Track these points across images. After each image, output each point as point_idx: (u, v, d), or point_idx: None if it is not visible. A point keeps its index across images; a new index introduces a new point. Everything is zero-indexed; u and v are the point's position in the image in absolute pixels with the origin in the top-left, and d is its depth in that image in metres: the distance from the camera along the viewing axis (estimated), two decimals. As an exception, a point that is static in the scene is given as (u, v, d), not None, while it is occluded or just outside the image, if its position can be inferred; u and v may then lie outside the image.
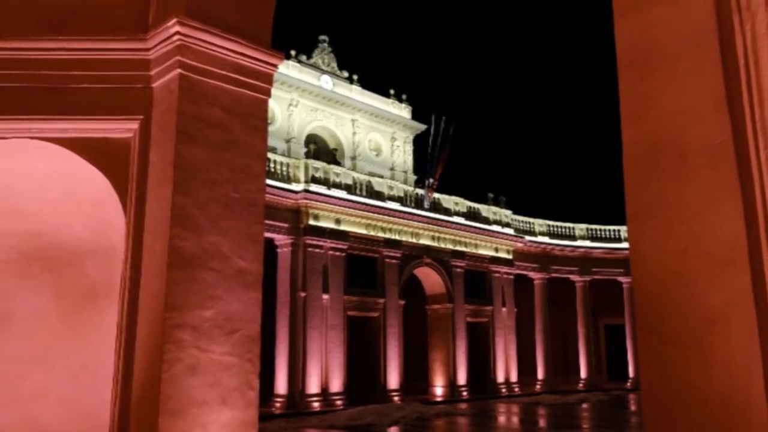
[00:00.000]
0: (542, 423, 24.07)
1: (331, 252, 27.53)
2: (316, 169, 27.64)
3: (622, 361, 40.08)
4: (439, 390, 32.14)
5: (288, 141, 34.82)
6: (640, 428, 20.48)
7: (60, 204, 5.85)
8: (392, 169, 40.31)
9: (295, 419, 23.12)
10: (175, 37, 5.18)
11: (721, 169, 2.54)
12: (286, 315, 26.15)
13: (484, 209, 35.66)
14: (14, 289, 5.89)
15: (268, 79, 5.71)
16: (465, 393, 32.12)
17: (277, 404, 25.32)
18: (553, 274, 39.17)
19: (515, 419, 25.58)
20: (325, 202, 27.42)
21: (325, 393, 26.11)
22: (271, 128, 32.51)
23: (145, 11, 5.59)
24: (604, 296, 40.71)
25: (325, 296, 26.95)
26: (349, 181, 28.92)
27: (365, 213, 29.00)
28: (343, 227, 28.19)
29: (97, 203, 5.62)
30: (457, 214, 33.78)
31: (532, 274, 38.58)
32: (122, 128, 5.46)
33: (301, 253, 26.71)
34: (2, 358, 5.77)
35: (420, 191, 32.51)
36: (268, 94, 5.72)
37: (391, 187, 31.01)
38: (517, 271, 37.27)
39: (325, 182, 27.73)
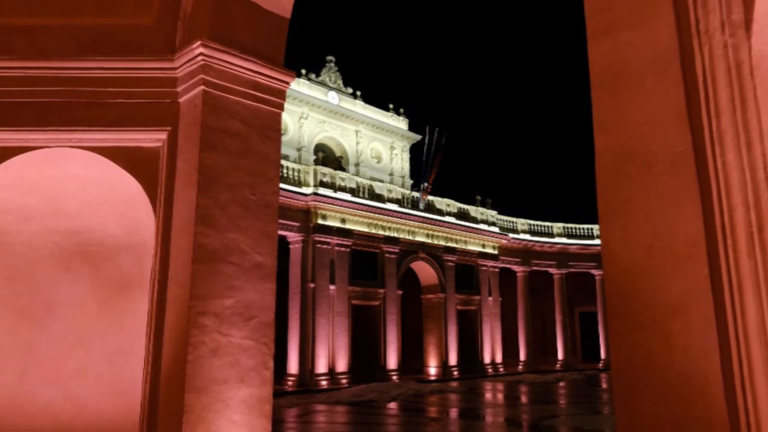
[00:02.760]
0: (524, 399, 24.07)
1: (337, 248, 27.53)
2: (324, 175, 27.63)
3: (594, 344, 40.12)
4: (432, 370, 32.15)
5: (299, 149, 34.80)
6: (610, 403, 20.49)
7: (97, 205, 5.86)
8: (391, 174, 40.30)
9: (305, 396, 23.13)
10: (199, 58, 5.18)
11: (682, 175, 2.54)
12: (297, 303, 26.16)
13: (473, 210, 35.65)
14: (57, 281, 5.89)
15: (282, 94, 5.71)
16: (456, 372, 32.13)
17: (290, 382, 25.32)
18: (534, 268, 39.19)
19: (500, 395, 25.58)
20: (332, 204, 27.42)
21: (331, 372, 26.11)
22: (284, 138, 32.52)
23: (173, 35, 5.59)
24: (579, 287, 40.75)
25: (332, 287, 26.96)
26: (353, 185, 28.92)
27: (367, 213, 29.00)
28: (347, 226, 28.20)
29: (130, 204, 5.62)
30: (449, 214, 33.78)
31: (515, 268, 38.58)
32: (152, 138, 5.46)
33: (310, 248, 26.72)
34: (47, 340, 5.77)
35: (416, 194, 32.49)
36: (281, 108, 5.72)
37: (390, 191, 31.00)
38: (502, 265, 37.29)
39: (331, 186, 27.72)
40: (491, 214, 36.73)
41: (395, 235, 30.53)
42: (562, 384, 30.04)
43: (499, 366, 35.29)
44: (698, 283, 2.41)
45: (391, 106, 41.65)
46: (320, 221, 27.05)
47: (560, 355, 39.15)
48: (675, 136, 2.58)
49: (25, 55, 5.43)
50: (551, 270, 39.68)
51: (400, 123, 41.87)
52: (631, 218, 2.67)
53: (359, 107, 38.97)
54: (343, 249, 27.80)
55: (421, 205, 32.01)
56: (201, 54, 5.16)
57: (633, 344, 2.58)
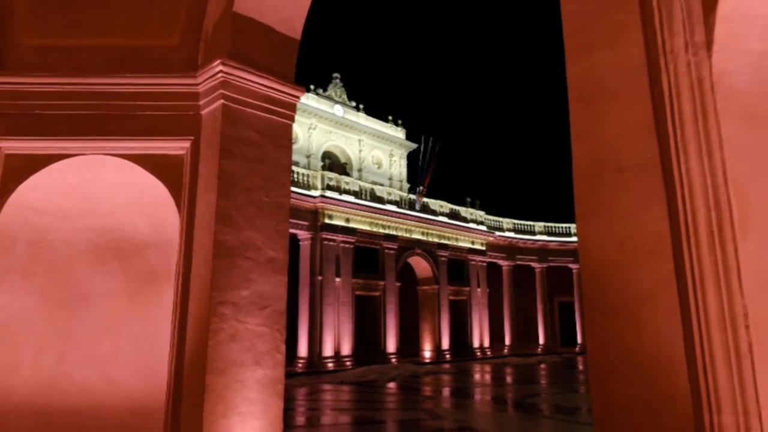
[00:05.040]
0: (509, 379, 24.07)
1: (342, 244, 27.53)
2: (330, 179, 27.63)
3: (571, 330, 40.13)
4: (427, 353, 32.14)
5: (308, 156, 34.78)
6: (586, 383, 20.49)
7: (128, 206, 5.86)
8: (390, 178, 40.27)
9: (313, 376, 23.13)
10: (219, 75, 5.18)
11: (650, 180, 2.54)
12: (307, 294, 26.16)
13: (463, 210, 35.64)
14: (92, 274, 5.89)
15: (292, 107, 5.71)
16: (448, 356, 32.13)
17: (300, 364, 25.31)
18: (518, 262, 39.19)
19: (488, 376, 25.57)
20: (338, 205, 27.42)
21: (337, 355, 26.11)
22: (294, 146, 32.48)
23: (195, 54, 5.59)
24: (558, 279, 40.72)
25: (337, 279, 26.95)
26: (357, 189, 28.91)
27: (369, 214, 29.00)
28: (351, 225, 28.19)
29: (157, 206, 5.62)
30: (442, 214, 33.77)
31: (501, 262, 38.59)
32: (177, 146, 5.46)
33: (318, 245, 26.71)
34: (82, 328, 5.78)
35: (412, 196, 32.49)
36: (292, 119, 5.72)
37: (389, 193, 30.99)
38: (489, 260, 37.29)
39: (337, 189, 27.71)
40: (480, 214, 36.71)
41: (394, 233, 30.52)
42: (543, 366, 30.03)
43: (487, 350, 35.27)
44: (665, 276, 2.41)
45: (390, 117, 41.61)
46: (327, 221, 27.04)
47: (541, 340, 39.17)
48: (644, 144, 2.58)
49: (64, 72, 5.43)
50: (533, 264, 39.68)
51: (398, 133, 41.84)
52: (605, 218, 2.67)
53: (362, 119, 38.94)
54: (347, 245, 27.79)
55: (417, 206, 32.01)
56: (221, 71, 5.16)
57: (607, 331, 2.58)
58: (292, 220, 23.07)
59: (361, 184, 29.75)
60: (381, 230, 29.81)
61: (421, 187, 32.39)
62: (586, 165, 2.81)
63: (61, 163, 5.43)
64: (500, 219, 39.24)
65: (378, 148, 40.22)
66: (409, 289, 33.19)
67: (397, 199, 31.13)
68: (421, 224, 32.11)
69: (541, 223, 40.58)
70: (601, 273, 2.65)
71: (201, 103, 5.45)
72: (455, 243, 34.47)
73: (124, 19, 5.66)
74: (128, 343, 5.74)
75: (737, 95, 2.48)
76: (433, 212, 33.17)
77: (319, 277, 26.35)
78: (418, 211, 31.94)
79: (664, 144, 2.51)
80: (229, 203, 5.02)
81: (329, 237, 26.97)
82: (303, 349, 25.68)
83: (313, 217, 26.81)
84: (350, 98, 39.18)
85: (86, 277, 5.86)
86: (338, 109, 37.17)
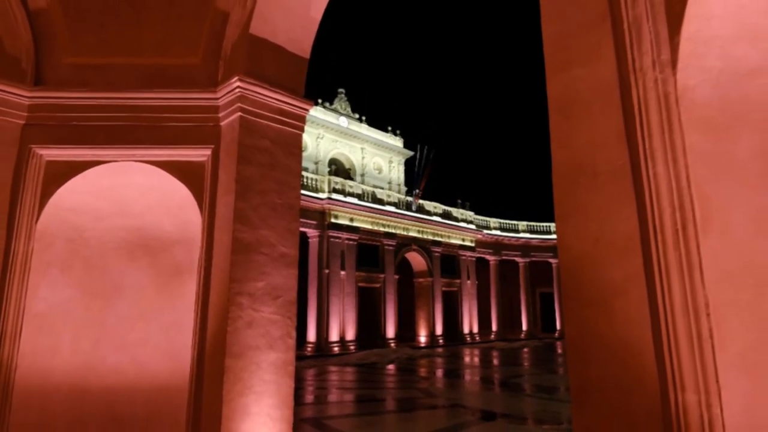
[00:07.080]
0: (495, 362, 24.05)
1: (346, 241, 27.52)
2: (336, 183, 27.62)
3: (551, 318, 40.12)
4: (422, 338, 32.13)
5: (316, 163, 34.75)
6: (564, 365, 20.48)
7: (156, 208, 5.86)
8: (389, 182, 40.23)
9: (321, 359, 23.12)
10: (237, 90, 5.18)
11: (621, 184, 2.54)
12: (315, 286, 26.15)
13: (455, 211, 35.63)
14: (123, 268, 5.90)
15: (302, 119, 5.71)
16: (441, 340, 32.12)
17: (309, 348, 25.31)
18: (503, 257, 39.17)
19: (476, 359, 25.55)
20: (343, 206, 27.40)
21: (342, 340, 26.10)
22: (304, 154, 32.48)
23: (215, 71, 5.59)
24: (540, 272, 40.72)
25: (342, 272, 26.94)
26: (360, 192, 28.90)
27: (371, 214, 28.99)
28: (355, 224, 28.18)
29: (182, 207, 5.62)
30: (436, 214, 33.76)
31: (488, 257, 38.57)
32: (199, 154, 5.46)
33: (325, 242, 26.71)
34: (115, 316, 5.78)
35: (409, 198, 32.47)
36: (302, 130, 5.72)
37: (389, 196, 30.98)
38: (478, 255, 37.27)
39: (342, 192, 27.70)
40: (469, 214, 36.70)
41: (393, 231, 30.51)
42: (526, 350, 30.01)
43: (476, 335, 35.27)
44: (635, 270, 2.42)
45: (389, 128, 41.56)
46: (333, 220, 27.04)
47: (524, 327, 39.15)
48: (616, 152, 2.58)
49: (98, 87, 5.44)
50: (517, 259, 39.67)
51: (397, 142, 41.80)
52: (581, 218, 2.67)
53: (364, 129, 38.90)
54: (351, 242, 27.79)
55: (414, 207, 31.99)
56: (238, 87, 5.17)
57: (583, 318, 2.58)
58: (301, 220, 23.11)
59: (364, 187, 29.73)
60: (381, 229, 29.79)
61: (417, 190, 32.38)
62: (565, 170, 2.81)
63: (96, 169, 5.43)
64: (488, 218, 39.22)
65: (378, 156, 40.19)
66: (407, 281, 33.19)
67: (396, 201, 31.11)
68: (417, 223, 32.10)
69: (525, 222, 40.56)
70: (578, 267, 2.65)
71: (220, 115, 5.45)
72: (447, 240, 34.46)
73: (152, 40, 5.66)
74: (156, 330, 5.74)
75: (699, 108, 2.48)
76: (428, 212, 33.16)
77: (326, 271, 26.35)
78: (414, 212, 31.92)
79: (634, 151, 2.51)
80: (245, 205, 5.02)
81: (335, 235, 26.96)
82: (311, 335, 25.68)
83: (321, 217, 26.80)
84: (354, 110, 39.13)
85: (119, 271, 5.86)
86: (343, 121, 37.14)
